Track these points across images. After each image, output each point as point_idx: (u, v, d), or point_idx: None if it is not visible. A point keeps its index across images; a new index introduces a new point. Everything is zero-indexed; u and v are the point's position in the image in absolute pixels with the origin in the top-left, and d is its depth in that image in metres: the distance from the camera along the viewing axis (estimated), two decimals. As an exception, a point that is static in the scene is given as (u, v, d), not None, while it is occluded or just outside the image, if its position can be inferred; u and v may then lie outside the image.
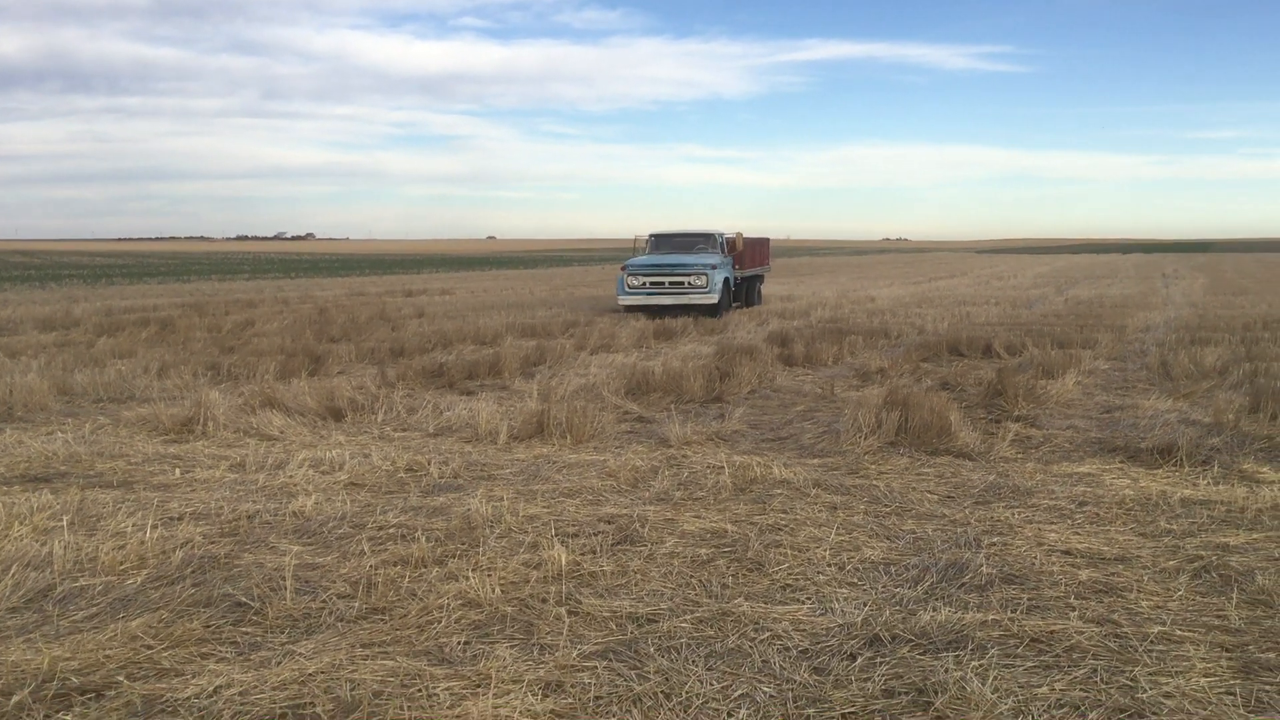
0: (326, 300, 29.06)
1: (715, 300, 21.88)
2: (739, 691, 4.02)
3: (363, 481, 7.44)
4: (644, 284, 22.16)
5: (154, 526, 6.10)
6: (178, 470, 7.79)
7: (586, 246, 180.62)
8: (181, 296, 31.63)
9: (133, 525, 6.14)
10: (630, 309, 22.25)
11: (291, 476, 7.54)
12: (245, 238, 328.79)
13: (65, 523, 6.20)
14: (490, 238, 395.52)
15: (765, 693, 4.01)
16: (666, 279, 22.05)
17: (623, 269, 22.78)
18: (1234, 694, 3.92)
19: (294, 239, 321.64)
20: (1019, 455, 8.15)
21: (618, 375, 12.15)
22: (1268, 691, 3.94)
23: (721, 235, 23.83)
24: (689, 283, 21.91)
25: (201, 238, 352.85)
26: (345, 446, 8.60)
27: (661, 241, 24.11)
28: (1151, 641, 4.42)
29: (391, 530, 6.17)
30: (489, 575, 5.26)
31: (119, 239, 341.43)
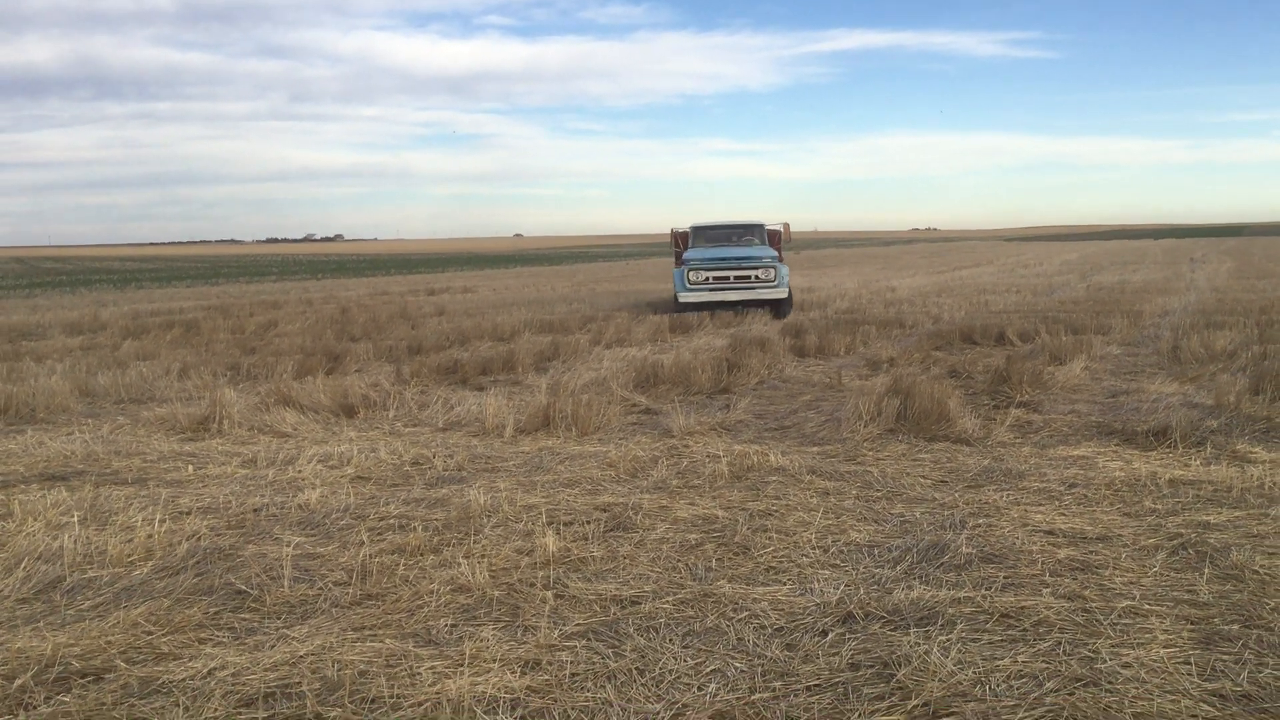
0: (350, 300, 29.38)
1: (785, 294, 20.28)
2: (711, 667, 4.16)
3: (369, 475, 7.62)
4: (707, 279, 20.16)
5: (162, 520, 6.31)
6: (190, 467, 8.00)
7: (613, 242, 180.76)
8: (208, 299, 32.05)
9: (142, 519, 6.35)
10: (689, 307, 20.22)
11: (300, 471, 7.73)
12: (275, 240, 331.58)
13: (77, 518, 6.42)
14: (517, 235, 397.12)
15: (736, 668, 4.14)
16: (732, 273, 20.20)
17: (681, 264, 20.83)
18: (1190, 663, 4.01)
19: (323, 240, 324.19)
20: (1017, 440, 8.21)
21: (629, 368, 12.31)
22: (1224, 661, 4.03)
23: (764, 227, 22.19)
24: (756, 277, 20.11)
25: (231, 241, 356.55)
26: (355, 442, 8.78)
27: (703, 234, 22.18)
28: (1118, 615, 4.51)
29: (391, 521, 6.34)
30: (480, 561, 5.42)
31: (150, 243, 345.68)
